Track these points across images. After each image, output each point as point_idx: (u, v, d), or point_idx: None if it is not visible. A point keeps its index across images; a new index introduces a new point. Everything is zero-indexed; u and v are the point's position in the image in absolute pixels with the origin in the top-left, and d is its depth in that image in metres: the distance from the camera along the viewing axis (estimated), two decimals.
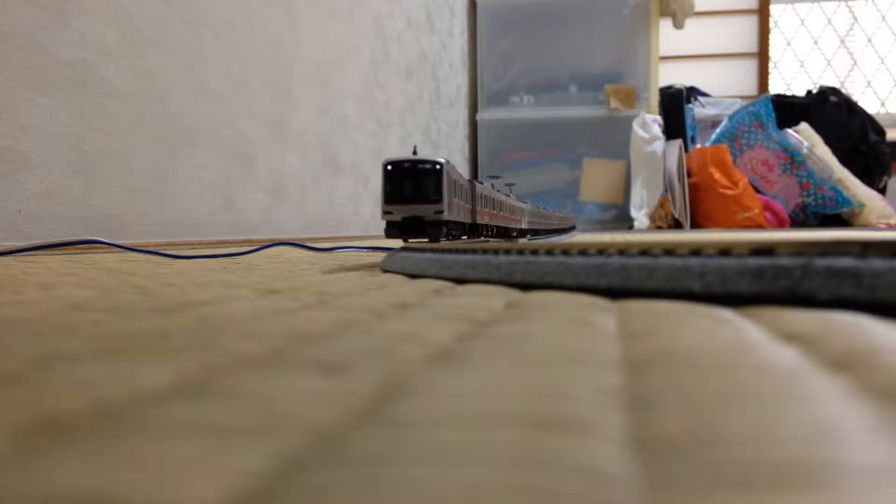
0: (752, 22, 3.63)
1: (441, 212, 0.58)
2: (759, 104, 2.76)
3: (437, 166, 0.58)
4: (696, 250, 0.33)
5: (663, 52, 3.14)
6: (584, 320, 0.26)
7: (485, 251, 0.44)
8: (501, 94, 2.97)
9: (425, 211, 0.58)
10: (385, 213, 0.59)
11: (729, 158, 2.56)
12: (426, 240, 0.61)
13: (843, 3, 3.60)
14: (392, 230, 0.60)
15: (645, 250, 0.35)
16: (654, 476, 0.10)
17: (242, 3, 1.37)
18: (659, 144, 2.55)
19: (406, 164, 0.58)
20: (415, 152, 0.61)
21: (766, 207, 2.54)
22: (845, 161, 2.75)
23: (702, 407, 0.14)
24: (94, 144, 1.02)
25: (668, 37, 3.18)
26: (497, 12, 2.97)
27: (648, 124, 2.62)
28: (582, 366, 0.18)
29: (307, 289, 0.40)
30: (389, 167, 0.58)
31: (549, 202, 1.88)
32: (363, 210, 1.91)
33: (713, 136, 2.79)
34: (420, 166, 0.58)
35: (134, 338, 0.23)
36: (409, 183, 0.58)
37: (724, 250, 0.32)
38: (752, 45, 3.62)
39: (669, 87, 2.80)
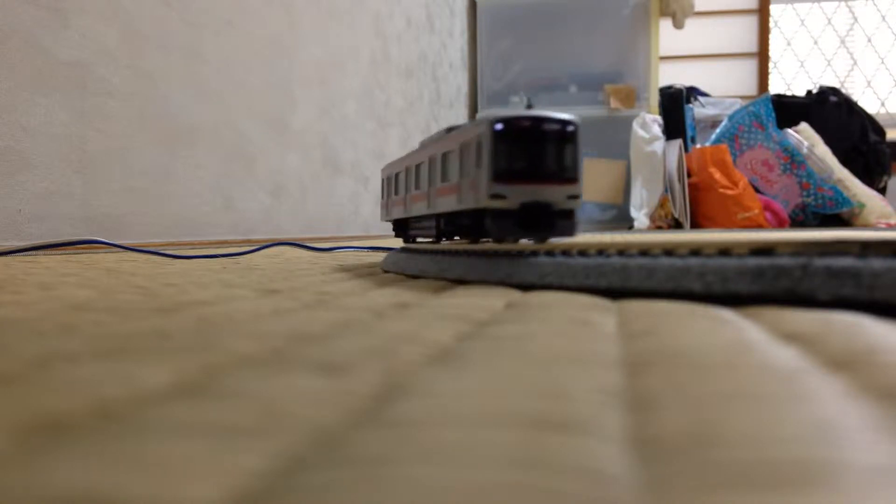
0: (752, 22, 3.63)
1: (576, 196, 0.41)
2: (759, 104, 2.76)
3: (571, 127, 0.41)
4: (696, 250, 0.33)
5: (663, 52, 3.14)
6: (584, 320, 0.26)
7: (485, 252, 0.44)
8: (501, 94, 2.97)
9: (556, 194, 0.41)
10: (493, 196, 0.41)
11: (729, 158, 2.56)
12: (540, 238, 0.43)
13: (843, 3, 3.60)
14: (503, 224, 0.41)
15: (645, 250, 0.35)
16: (653, 476, 0.10)
17: (242, 3, 1.37)
18: (659, 144, 2.55)
19: (527, 124, 0.41)
20: (529, 105, 0.45)
21: (766, 207, 2.54)
22: (845, 161, 2.75)
23: (702, 407, 0.14)
24: (94, 144, 1.02)
25: (668, 37, 3.18)
26: (497, 12, 2.97)
27: (648, 124, 2.62)
28: (582, 366, 0.18)
29: (307, 289, 0.40)
30: (500, 127, 0.41)
31: None
32: (363, 210, 1.91)
33: (713, 136, 2.79)
34: (547, 126, 0.41)
35: (134, 338, 0.23)
36: (533, 152, 0.41)
37: (724, 250, 0.32)
38: (752, 45, 3.62)
39: (669, 87, 2.80)
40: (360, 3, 1.90)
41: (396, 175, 0.64)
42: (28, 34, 0.91)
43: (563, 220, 0.41)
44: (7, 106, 0.89)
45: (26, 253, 0.84)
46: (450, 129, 0.51)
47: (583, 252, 0.37)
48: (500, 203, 0.41)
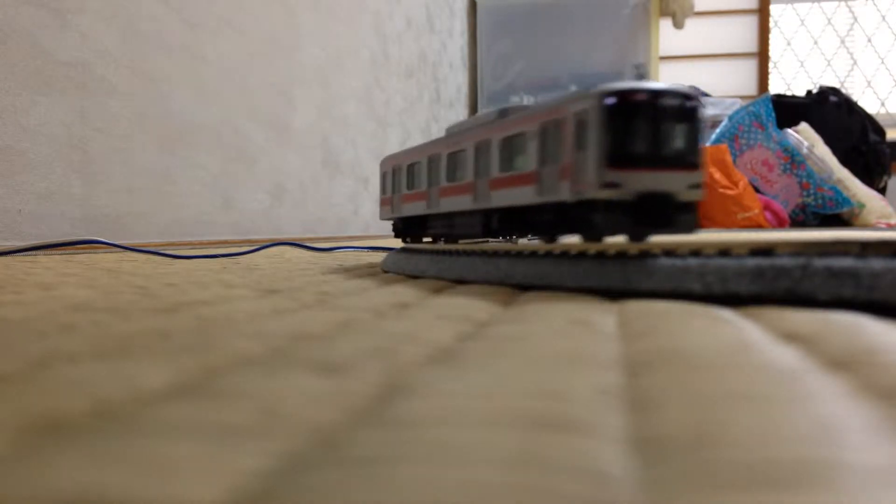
0: (752, 22, 3.63)
1: (699, 185, 0.35)
2: (759, 104, 2.76)
3: (693, 102, 0.36)
4: (696, 251, 0.33)
5: (663, 52, 3.14)
6: (584, 320, 0.26)
7: (485, 252, 0.44)
8: (501, 94, 2.97)
9: (677, 183, 0.35)
10: (605, 185, 0.34)
11: (729, 158, 2.56)
12: (659, 233, 0.36)
13: (843, 3, 3.60)
14: (615, 219, 0.35)
15: (645, 251, 0.35)
16: (653, 476, 0.10)
17: (242, 3, 1.37)
18: None
19: (644, 97, 0.34)
20: (641, 75, 0.34)
21: (766, 207, 2.54)
22: (845, 161, 2.75)
23: (702, 407, 0.14)
24: (94, 144, 1.02)
25: (668, 37, 3.18)
26: (497, 12, 2.97)
27: None
28: (582, 366, 0.18)
29: (307, 289, 0.40)
30: (613, 101, 0.34)
31: None
32: (363, 210, 1.91)
33: (713, 136, 2.79)
34: (667, 101, 0.35)
35: (134, 338, 0.23)
36: (652, 131, 0.35)
37: (724, 251, 0.32)
38: (752, 45, 3.62)
39: None
40: (360, 3, 1.90)
41: (411, 167, 0.57)
42: (28, 34, 0.91)
43: (683, 214, 0.35)
44: (7, 106, 0.89)
45: (26, 253, 0.84)
46: (503, 112, 0.45)
47: (582, 252, 0.37)
48: (613, 193, 0.34)
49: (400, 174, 0.60)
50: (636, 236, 0.37)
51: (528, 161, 0.40)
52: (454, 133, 0.50)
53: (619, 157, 0.34)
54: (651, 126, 0.35)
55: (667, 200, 0.35)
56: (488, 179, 0.45)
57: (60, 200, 0.96)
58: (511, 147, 0.43)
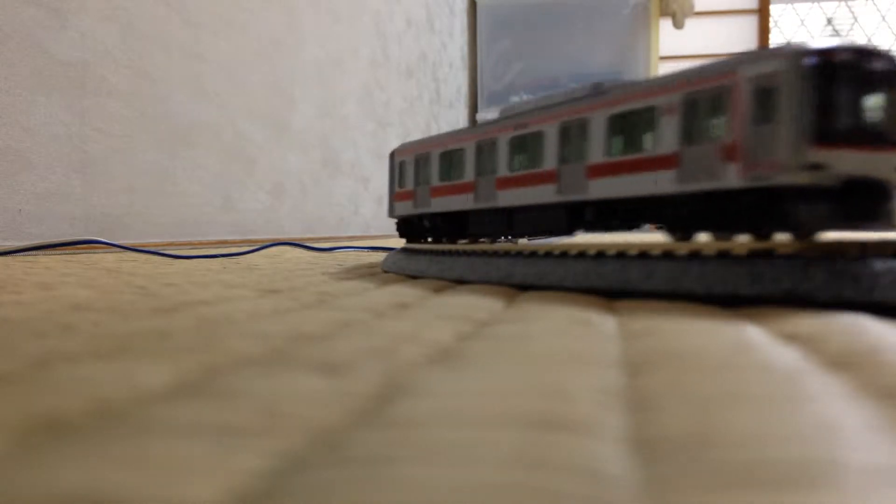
0: (752, 22, 3.63)
1: None
2: None
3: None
4: (696, 252, 0.33)
5: (663, 52, 3.14)
6: (584, 320, 0.26)
7: (485, 252, 0.44)
8: (501, 94, 2.97)
9: (888, 165, 0.29)
10: (806, 167, 0.27)
11: None
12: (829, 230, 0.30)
13: (843, 3, 3.60)
14: (808, 209, 0.28)
15: (644, 252, 0.35)
16: (653, 476, 0.10)
17: (242, 3, 1.37)
18: None
19: (851, 58, 0.28)
20: (836, 31, 0.28)
21: None
22: None
23: (702, 407, 0.14)
24: (94, 144, 1.02)
25: (668, 37, 3.18)
26: (497, 12, 2.97)
27: None
28: (582, 366, 0.18)
29: (307, 289, 0.40)
30: (815, 61, 0.28)
31: None
32: (363, 210, 1.91)
33: None
34: (877, 65, 0.28)
35: (134, 338, 0.23)
36: (862, 102, 0.28)
37: (724, 252, 0.32)
38: (751, 45, 3.62)
39: None
40: (360, 3, 1.90)
41: (446, 155, 0.50)
42: (28, 34, 0.91)
43: (888, 204, 0.29)
44: (7, 106, 0.89)
45: (26, 253, 0.84)
46: (598, 88, 0.39)
47: (582, 253, 0.37)
48: (815, 177, 0.27)
49: (427, 164, 0.52)
50: (809, 231, 0.30)
51: (662, 141, 0.34)
52: (517, 113, 0.44)
53: (824, 132, 0.27)
54: (861, 94, 0.28)
55: (880, 187, 0.28)
56: (584, 166, 0.38)
57: (60, 200, 0.96)
58: (626, 126, 0.36)
